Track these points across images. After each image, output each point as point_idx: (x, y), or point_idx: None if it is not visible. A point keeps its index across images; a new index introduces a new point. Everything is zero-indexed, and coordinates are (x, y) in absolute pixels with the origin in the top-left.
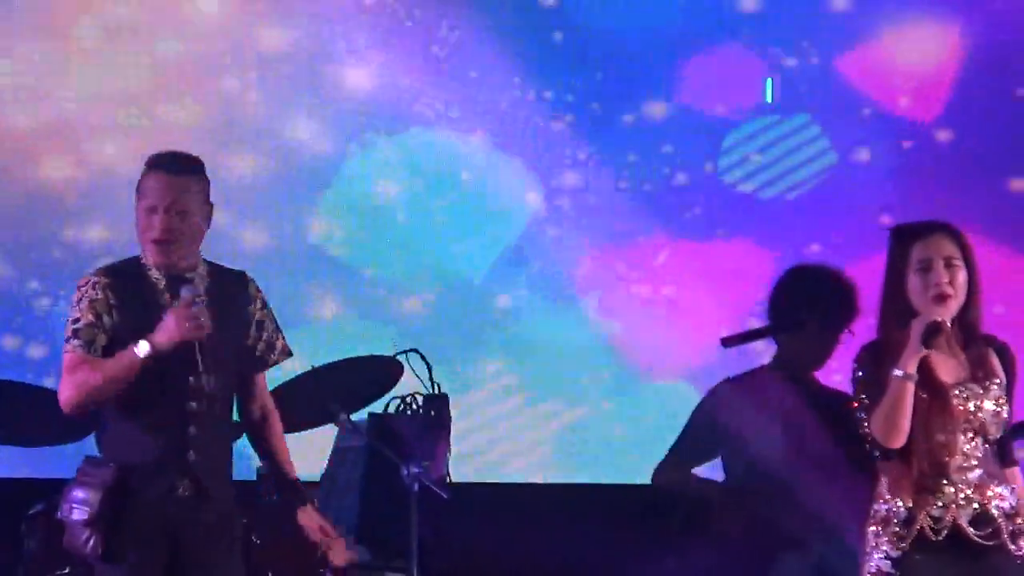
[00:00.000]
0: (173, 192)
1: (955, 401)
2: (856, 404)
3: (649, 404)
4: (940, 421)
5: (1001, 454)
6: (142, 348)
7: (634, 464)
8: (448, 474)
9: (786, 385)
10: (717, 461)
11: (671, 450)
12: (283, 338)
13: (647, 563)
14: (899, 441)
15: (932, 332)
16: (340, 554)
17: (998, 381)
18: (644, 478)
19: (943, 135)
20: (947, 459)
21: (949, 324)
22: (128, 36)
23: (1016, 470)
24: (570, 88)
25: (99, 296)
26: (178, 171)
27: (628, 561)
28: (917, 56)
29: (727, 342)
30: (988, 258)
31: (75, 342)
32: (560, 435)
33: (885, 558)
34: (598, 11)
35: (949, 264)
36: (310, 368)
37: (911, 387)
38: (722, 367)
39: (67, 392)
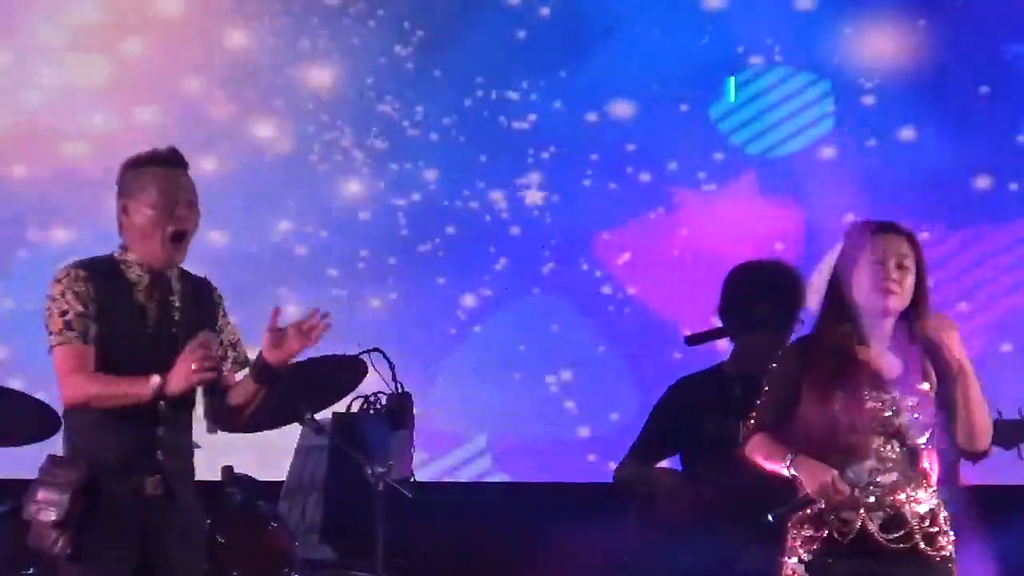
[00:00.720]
0: (186, 185)
1: (869, 403)
2: (761, 390)
3: (612, 403)
4: (851, 423)
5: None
6: (154, 383)
7: (598, 463)
8: (412, 473)
9: (743, 381)
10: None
11: (632, 448)
12: (238, 349)
13: (609, 559)
14: None
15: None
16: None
17: (927, 386)
18: (609, 476)
19: (907, 133)
20: (858, 462)
21: (889, 318)
22: (92, 36)
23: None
24: (533, 87)
25: (82, 288)
26: (180, 164)
27: (590, 557)
28: (881, 54)
29: (691, 340)
30: (952, 255)
31: (70, 334)
32: (524, 434)
33: (798, 562)
34: (561, 10)
35: (900, 265)
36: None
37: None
38: (685, 365)
39: (67, 392)
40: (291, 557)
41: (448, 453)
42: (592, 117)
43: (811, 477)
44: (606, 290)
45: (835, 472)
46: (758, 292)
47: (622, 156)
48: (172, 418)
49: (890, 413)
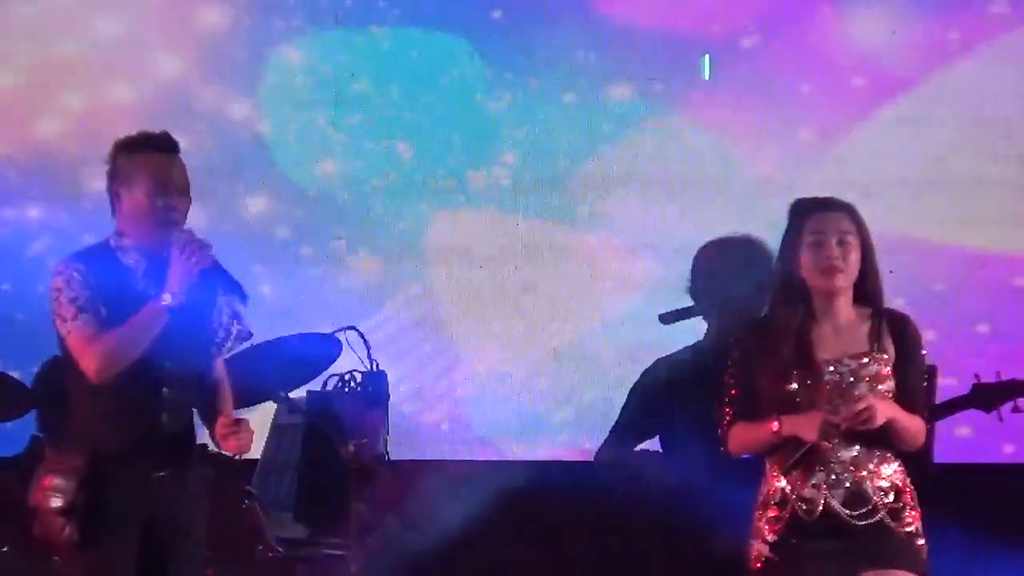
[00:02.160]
0: (179, 171)
1: (827, 378)
2: (725, 384)
3: (591, 382)
4: (809, 398)
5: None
6: (165, 298)
7: (576, 442)
8: (386, 451)
9: (720, 359)
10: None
11: (612, 430)
12: (238, 323)
13: (587, 541)
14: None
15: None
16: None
17: (885, 357)
18: (586, 455)
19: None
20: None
21: (840, 295)
22: (67, 15)
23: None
24: (509, 66)
25: (83, 279)
26: (175, 150)
27: (569, 538)
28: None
29: (665, 319)
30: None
31: (85, 316)
32: (498, 412)
33: (764, 543)
34: None
35: (842, 241)
36: (249, 346)
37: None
38: (659, 346)
39: (95, 362)
40: (264, 535)
41: (422, 431)
42: (569, 97)
43: (806, 425)
44: (584, 268)
45: (822, 413)
46: (727, 271)
47: (597, 136)
48: (176, 404)
49: (847, 385)
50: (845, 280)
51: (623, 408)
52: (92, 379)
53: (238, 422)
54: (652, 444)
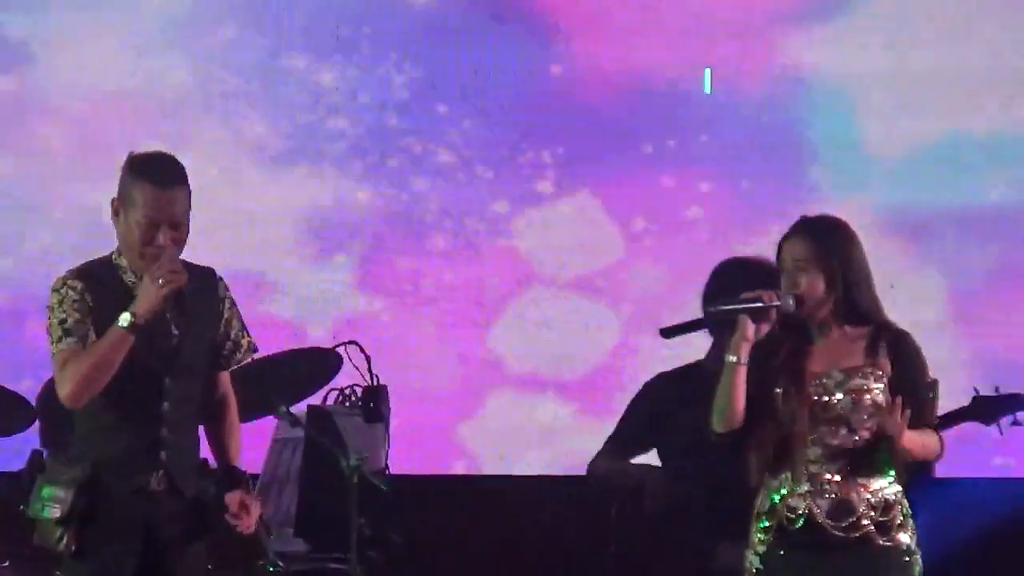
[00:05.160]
0: (173, 206)
1: (810, 391)
2: None
3: (600, 396)
4: (792, 410)
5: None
6: (123, 319)
7: (581, 456)
8: (387, 466)
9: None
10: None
11: (608, 441)
12: (248, 336)
13: (587, 553)
14: (726, 425)
15: (754, 311)
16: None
17: (879, 373)
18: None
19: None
20: (802, 449)
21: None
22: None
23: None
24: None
25: (78, 298)
26: (174, 184)
27: (567, 552)
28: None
29: (667, 333)
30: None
31: (69, 340)
32: (499, 427)
33: (755, 554)
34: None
35: (801, 267)
36: (249, 360)
37: (742, 372)
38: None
39: (66, 387)
40: (265, 549)
41: (423, 445)
42: (595, 102)
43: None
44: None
45: None
46: (739, 289)
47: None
48: (176, 418)
49: (831, 399)
50: (804, 307)
51: (621, 421)
52: (65, 404)
53: (246, 504)
54: (647, 458)
